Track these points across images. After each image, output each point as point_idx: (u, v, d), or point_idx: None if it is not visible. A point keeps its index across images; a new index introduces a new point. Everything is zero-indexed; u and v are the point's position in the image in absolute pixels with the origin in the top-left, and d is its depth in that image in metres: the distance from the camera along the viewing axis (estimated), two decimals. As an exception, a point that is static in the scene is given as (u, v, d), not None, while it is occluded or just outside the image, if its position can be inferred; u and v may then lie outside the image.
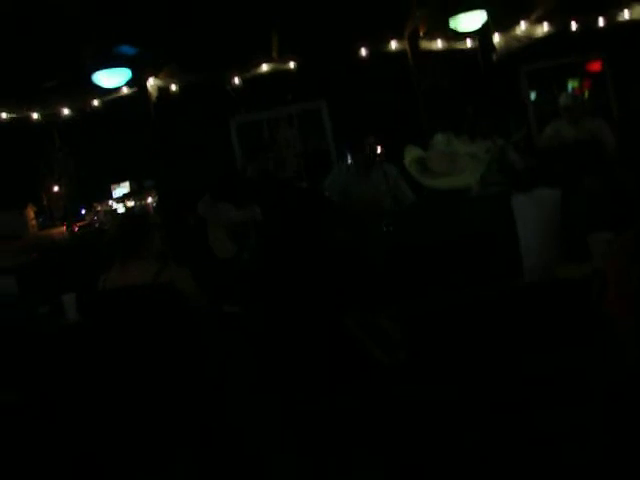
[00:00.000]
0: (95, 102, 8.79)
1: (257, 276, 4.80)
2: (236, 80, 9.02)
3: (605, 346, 2.20)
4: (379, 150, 6.47)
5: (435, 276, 3.22)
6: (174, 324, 3.87)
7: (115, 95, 8.69)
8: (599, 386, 2.53)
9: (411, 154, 3.99)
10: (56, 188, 8.85)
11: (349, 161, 6.70)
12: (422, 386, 2.92)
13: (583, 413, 2.72)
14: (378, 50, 9.24)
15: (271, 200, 6.34)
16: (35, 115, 8.84)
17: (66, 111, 8.85)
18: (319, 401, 3.18)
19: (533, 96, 10.34)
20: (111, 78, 7.19)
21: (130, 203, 8.67)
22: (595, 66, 10.45)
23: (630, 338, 2.09)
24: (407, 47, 9.19)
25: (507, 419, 2.84)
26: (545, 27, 9.48)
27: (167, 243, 4.47)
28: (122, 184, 8.93)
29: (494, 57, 9.30)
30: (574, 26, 9.61)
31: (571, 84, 10.24)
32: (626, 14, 9.75)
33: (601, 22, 9.70)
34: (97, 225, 8.27)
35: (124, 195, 8.82)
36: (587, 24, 9.66)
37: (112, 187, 8.94)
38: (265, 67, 9.07)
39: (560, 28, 9.54)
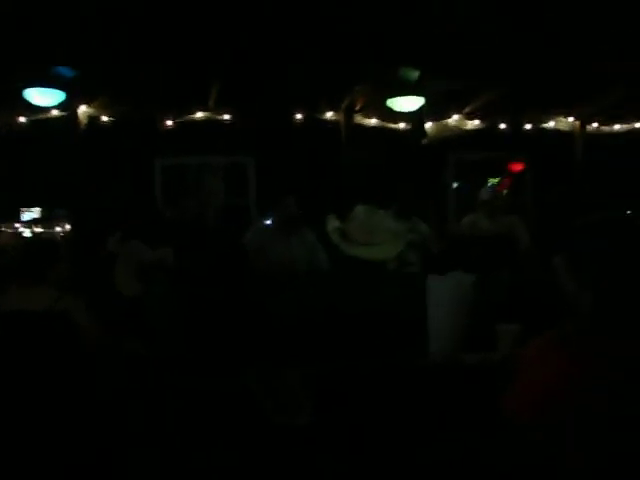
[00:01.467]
0: (22, 119, 8.56)
1: (162, 317, 4.72)
2: (168, 122, 8.99)
3: (503, 438, 2.19)
4: (298, 213, 6.46)
5: (344, 343, 3.20)
6: (64, 354, 3.76)
7: (44, 116, 8.50)
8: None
9: (332, 223, 4.01)
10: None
11: (269, 221, 6.68)
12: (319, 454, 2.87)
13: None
14: (313, 117, 9.40)
15: (186, 246, 6.28)
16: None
17: (-11, 124, 8.59)
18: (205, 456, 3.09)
19: (455, 185, 10.64)
20: (43, 97, 7.02)
21: (38, 229, 8.42)
22: (517, 166, 10.88)
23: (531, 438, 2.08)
24: (342, 119, 9.38)
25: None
26: (475, 122, 9.87)
27: (71, 273, 4.37)
28: (32, 209, 8.67)
29: (424, 141, 9.58)
30: (502, 126, 10.06)
31: (492, 181, 10.60)
32: (551, 123, 10.27)
33: (528, 126, 10.18)
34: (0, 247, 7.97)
35: (33, 220, 8.56)
36: (515, 126, 10.12)
37: (21, 210, 8.65)
38: (199, 114, 9.09)
39: (489, 125, 9.96)
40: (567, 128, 10.41)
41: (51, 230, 8.41)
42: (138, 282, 6.06)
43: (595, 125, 10.48)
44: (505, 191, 10.31)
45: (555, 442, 2.00)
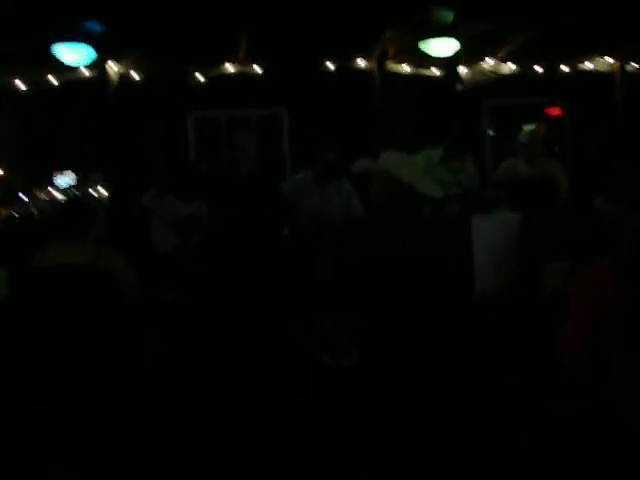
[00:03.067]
0: (52, 78, 8.51)
1: (199, 271, 4.71)
2: (199, 76, 8.90)
3: (553, 373, 2.15)
4: (335, 163, 6.39)
5: (385, 289, 3.14)
6: (105, 307, 3.78)
7: (74, 75, 8.44)
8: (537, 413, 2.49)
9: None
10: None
11: (305, 172, 6.61)
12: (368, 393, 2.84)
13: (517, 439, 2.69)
14: (345, 66, 9.24)
15: (222, 199, 6.25)
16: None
17: (20, 84, 8.54)
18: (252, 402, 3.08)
19: (490, 132, 10.46)
20: (73, 54, 6.96)
21: (72, 193, 8.42)
22: (554, 111, 10.64)
23: (580, 373, 2.07)
24: (374, 67, 9.21)
25: (448, 438, 2.78)
26: (511, 66, 9.62)
27: (109, 230, 4.40)
28: (65, 172, 8.69)
29: (459, 87, 9.39)
30: (539, 69, 9.80)
31: (528, 127, 10.38)
32: (590, 64, 9.98)
33: (565, 69, 9.90)
34: (36, 212, 8.01)
35: (68, 185, 8.57)
36: (551, 69, 9.85)
37: (54, 175, 8.67)
38: (230, 68, 8.98)
39: (525, 69, 9.71)
40: (606, 69, 10.10)
41: (85, 193, 8.42)
42: (174, 237, 6.06)
43: (636, 65, 10.17)
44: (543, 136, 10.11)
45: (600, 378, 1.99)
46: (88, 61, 7.28)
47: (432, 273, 3.24)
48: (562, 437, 2.30)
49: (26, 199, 8.22)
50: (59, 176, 8.66)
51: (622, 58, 9.98)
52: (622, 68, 10.06)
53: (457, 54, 7.88)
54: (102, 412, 3.47)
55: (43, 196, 8.35)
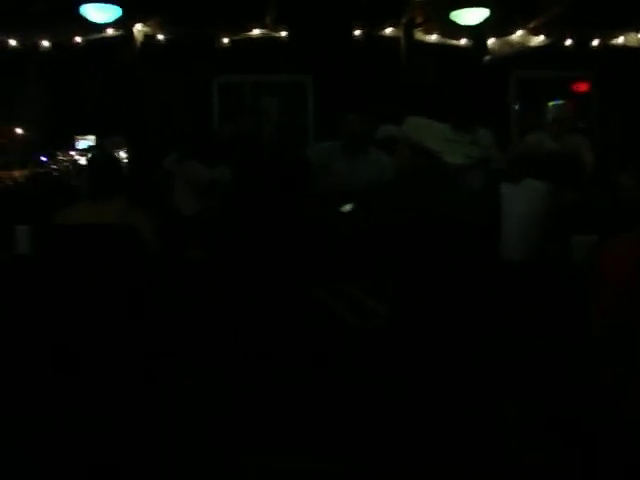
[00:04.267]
0: (77, 39, 8.48)
1: (223, 233, 4.71)
2: (225, 40, 8.84)
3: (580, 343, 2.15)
4: (363, 132, 6.30)
5: (411, 252, 3.12)
6: (132, 266, 3.80)
7: (99, 35, 8.42)
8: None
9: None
10: (19, 130, 8.51)
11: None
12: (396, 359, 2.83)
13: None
14: (372, 34, 9.15)
15: (245, 163, 6.22)
16: (13, 42, 8.50)
17: (46, 43, 8.52)
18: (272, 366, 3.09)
19: (517, 105, 10.35)
20: (99, 13, 6.93)
21: (97, 153, 8.39)
22: (582, 86, 10.49)
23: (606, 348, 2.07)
24: (402, 35, 9.12)
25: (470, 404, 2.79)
26: (540, 38, 9.49)
27: (135, 190, 4.43)
28: (87, 137, 8.66)
29: (486, 59, 9.28)
30: (568, 42, 9.65)
31: (553, 103, 10.25)
32: (620, 39, 9.82)
33: (595, 43, 9.75)
34: (57, 174, 8.02)
35: (89, 147, 8.56)
36: (581, 43, 9.70)
37: (76, 138, 8.64)
38: (256, 32, 8.92)
39: (555, 41, 9.56)
40: (637, 44, 9.93)
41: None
42: (196, 201, 6.06)
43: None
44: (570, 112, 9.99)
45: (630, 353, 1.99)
46: (114, 19, 7.21)
47: (458, 236, 3.22)
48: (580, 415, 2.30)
49: (46, 159, 8.24)
50: (80, 140, 8.64)
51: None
52: (654, 44, 9.90)
53: (486, 21, 7.76)
54: (124, 371, 3.50)
55: (65, 157, 8.35)
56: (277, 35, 8.97)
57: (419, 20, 8.98)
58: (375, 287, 3.06)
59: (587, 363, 2.19)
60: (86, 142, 8.64)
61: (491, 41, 9.38)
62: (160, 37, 8.72)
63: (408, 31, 9.06)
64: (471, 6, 7.44)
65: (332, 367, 2.97)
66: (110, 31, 8.43)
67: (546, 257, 3.19)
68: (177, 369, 3.48)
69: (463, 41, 9.36)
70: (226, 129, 6.94)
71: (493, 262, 3.16)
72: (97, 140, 8.65)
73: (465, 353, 2.76)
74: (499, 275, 3.04)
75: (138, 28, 8.57)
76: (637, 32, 9.83)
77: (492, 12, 7.58)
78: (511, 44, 9.46)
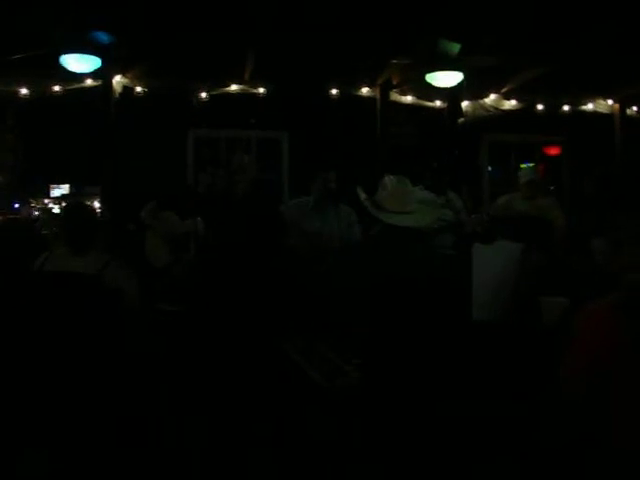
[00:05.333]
0: (56, 88, 8.51)
1: (195, 285, 4.69)
2: (203, 94, 8.93)
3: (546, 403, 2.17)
4: (335, 189, 6.36)
5: (380, 310, 3.13)
6: (105, 317, 3.75)
7: (78, 85, 8.46)
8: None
9: (362, 194, 3.93)
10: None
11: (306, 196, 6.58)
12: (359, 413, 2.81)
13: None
14: (348, 93, 9.29)
15: (218, 218, 6.23)
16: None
17: (24, 91, 8.54)
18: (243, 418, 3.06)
19: (489, 168, 10.52)
20: (79, 63, 6.95)
21: (66, 206, 8.36)
22: (553, 150, 10.70)
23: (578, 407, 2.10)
24: (377, 95, 9.27)
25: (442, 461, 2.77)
26: (513, 102, 9.71)
27: (112, 241, 4.40)
28: (62, 186, 8.66)
29: (460, 121, 9.44)
30: (540, 107, 9.87)
31: (524, 166, 10.43)
32: (590, 105, 10.08)
33: (566, 108, 9.99)
34: (28, 221, 7.98)
35: (62, 196, 8.54)
36: (552, 108, 9.93)
37: (50, 187, 8.63)
38: (234, 87, 9.02)
39: (527, 106, 9.79)
40: (606, 111, 10.20)
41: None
42: (169, 254, 6.03)
43: (635, 108, 10.27)
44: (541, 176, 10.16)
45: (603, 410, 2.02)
46: (94, 69, 7.23)
47: (427, 296, 3.23)
48: (552, 468, 2.30)
49: (18, 206, 8.20)
50: (55, 188, 8.62)
51: (622, 101, 10.09)
52: (622, 111, 10.17)
53: (460, 85, 7.92)
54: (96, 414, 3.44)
55: (38, 205, 8.32)
56: (254, 91, 9.07)
57: (395, 81, 9.15)
58: (344, 345, 3.06)
59: (554, 426, 2.21)
60: (60, 190, 8.62)
61: (465, 103, 9.58)
62: (138, 89, 8.77)
63: (384, 92, 9.23)
64: (446, 69, 7.58)
65: (300, 423, 2.95)
66: (89, 81, 8.48)
67: (516, 318, 3.21)
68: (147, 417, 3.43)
69: (438, 103, 9.56)
70: (201, 182, 6.96)
71: (463, 323, 3.17)
72: (72, 189, 8.63)
73: (433, 413, 2.76)
74: (469, 336, 3.05)
75: (117, 79, 8.62)
76: (605, 99, 10.11)
77: (466, 76, 7.73)
78: (485, 107, 9.66)
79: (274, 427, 2.98)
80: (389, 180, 3.78)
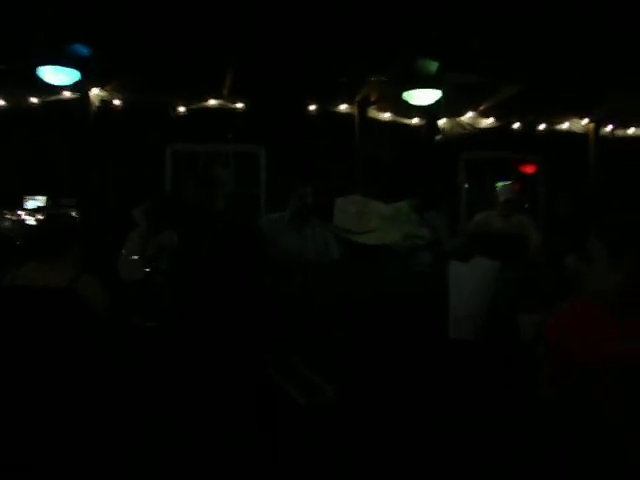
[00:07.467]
0: (33, 99, 8.48)
1: (169, 298, 4.66)
2: (181, 108, 8.94)
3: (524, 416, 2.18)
4: (312, 205, 6.37)
5: (358, 328, 3.14)
6: (77, 333, 3.69)
7: (55, 97, 8.43)
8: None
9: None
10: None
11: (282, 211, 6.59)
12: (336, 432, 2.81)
13: None
14: (327, 109, 9.34)
15: (193, 232, 6.21)
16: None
17: (1, 102, 8.50)
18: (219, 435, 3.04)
19: (466, 185, 10.58)
20: (57, 75, 6.92)
21: (42, 217, 8.30)
22: (529, 168, 10.79)
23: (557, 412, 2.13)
24: (355, 112, 9.32)
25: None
26: (489, 120, 9.80)
27: (84, 253, 4.32)
28: (36, 197, 8.58)
29: (437, 138, 9.51)
30: (516, 126, 9.98)
31: (500, 184, 10.51)
32: (565, 124, 10.20)
33: (541, 127, 10.10)
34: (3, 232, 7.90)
35: (37, 208, 8.46)
36: (528, 126, 10.05)
37: (25, 198, 8.55)
38: (212, 102, 9.03)
39: (503, 124, 9.89)
40: (581, 130, 10.33)
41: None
42: (141, 268, 5.99)
43: (609, 128, 10.41)
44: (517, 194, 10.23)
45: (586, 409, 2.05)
46: (72, 82, 7.20)
47: (402, 313, 3.25)
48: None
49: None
50: (30, 200, 8.55)
51: (596, 121, 10.22)
52: (596, 130, 10.30)
53: (437, 102, 7.98)
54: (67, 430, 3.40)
55: (12, 217, 8.24)
56: (233, 106, 9.09)
57: (373, 98, 9.21)
58: (321, 362, 3.06)
59: (534, 442, 2.21)
60: (35, 202, 8.55)
61: (442, 121, 9.65)
62: (116, 102, 8.76)
63: (362, 108, 9.28)
64: (424, 87, 7.64)
65: (279, 439, 2.93)
66: (67, 94, 8.45)
67: (493, 336, 3.22)
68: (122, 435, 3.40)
69: (415, 120, 9.62)
70: (177, 196, 6.93)
71: (438, 339, 3.19)
72: (48, 201, 8.56)
73: (410, 430, 2.76)
74: (446, 353, 3.06)
75: (95, 92, 8.60)
76: (581, 118, 10.23)
77: (443, 94, 7.79)
78: (462, 125, 9.74)
79: (254, 443, 2.96)
80: (343, 202, 3.80)
